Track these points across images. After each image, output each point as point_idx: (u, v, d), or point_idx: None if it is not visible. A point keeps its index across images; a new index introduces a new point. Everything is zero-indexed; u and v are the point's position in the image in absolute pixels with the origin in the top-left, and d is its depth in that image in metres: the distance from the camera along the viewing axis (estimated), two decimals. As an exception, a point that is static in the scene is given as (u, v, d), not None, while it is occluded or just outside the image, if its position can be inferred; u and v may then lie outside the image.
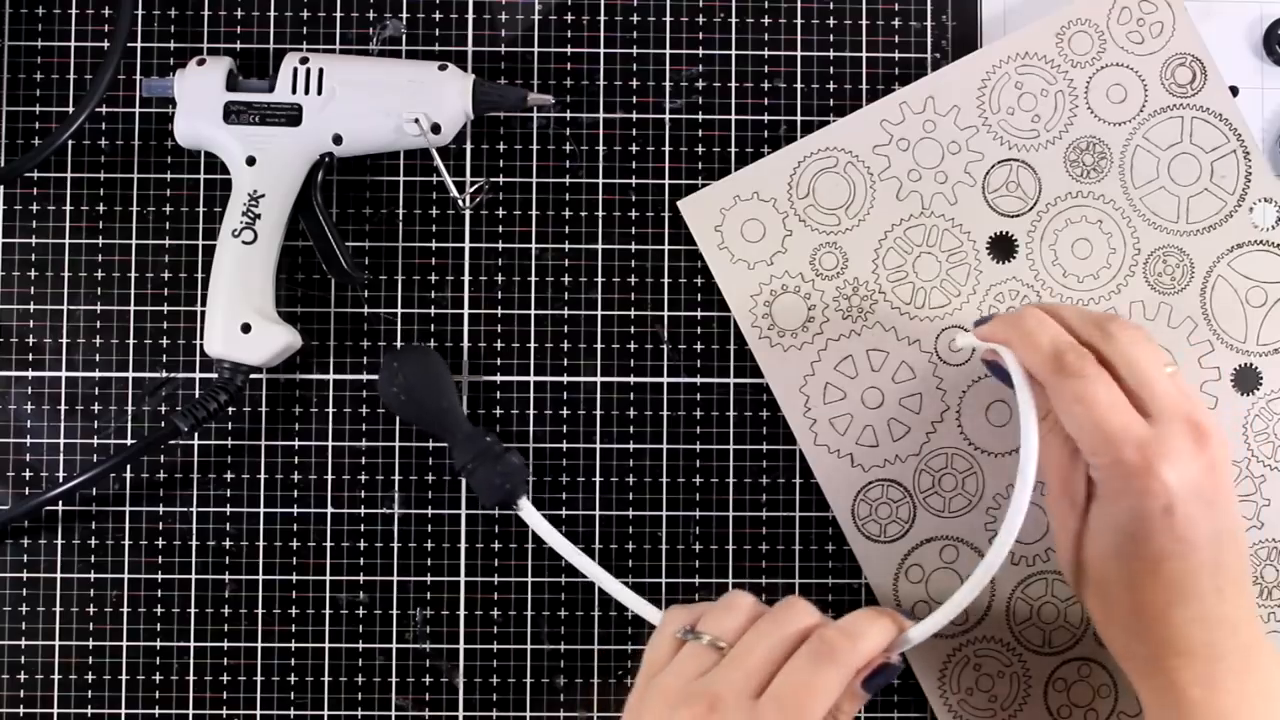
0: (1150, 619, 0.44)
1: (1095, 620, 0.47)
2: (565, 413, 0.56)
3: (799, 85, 0.57)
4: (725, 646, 0.45)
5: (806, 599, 0.46)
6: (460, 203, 0.56)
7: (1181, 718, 0.44)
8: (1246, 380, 0.55)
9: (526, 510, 0.53)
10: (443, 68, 0.53)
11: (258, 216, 0.52)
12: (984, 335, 0.49)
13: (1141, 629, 0.44)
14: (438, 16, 0.56)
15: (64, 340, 0.56)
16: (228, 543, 0.55)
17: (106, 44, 0.56)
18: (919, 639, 0.46)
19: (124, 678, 0.55)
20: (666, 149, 0.56)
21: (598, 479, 0.56)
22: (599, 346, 0.56)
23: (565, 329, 0.56)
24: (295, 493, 0.56)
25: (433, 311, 0.56)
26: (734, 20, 0.57)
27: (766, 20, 0.57)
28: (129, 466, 0.55)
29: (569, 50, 0.57)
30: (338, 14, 0.56)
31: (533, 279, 0.56)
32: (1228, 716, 0.43)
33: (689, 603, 0.56)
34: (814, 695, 0.42)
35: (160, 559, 0.55)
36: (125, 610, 0.55)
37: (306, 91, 0.52)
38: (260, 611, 0.55)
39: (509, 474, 0.52)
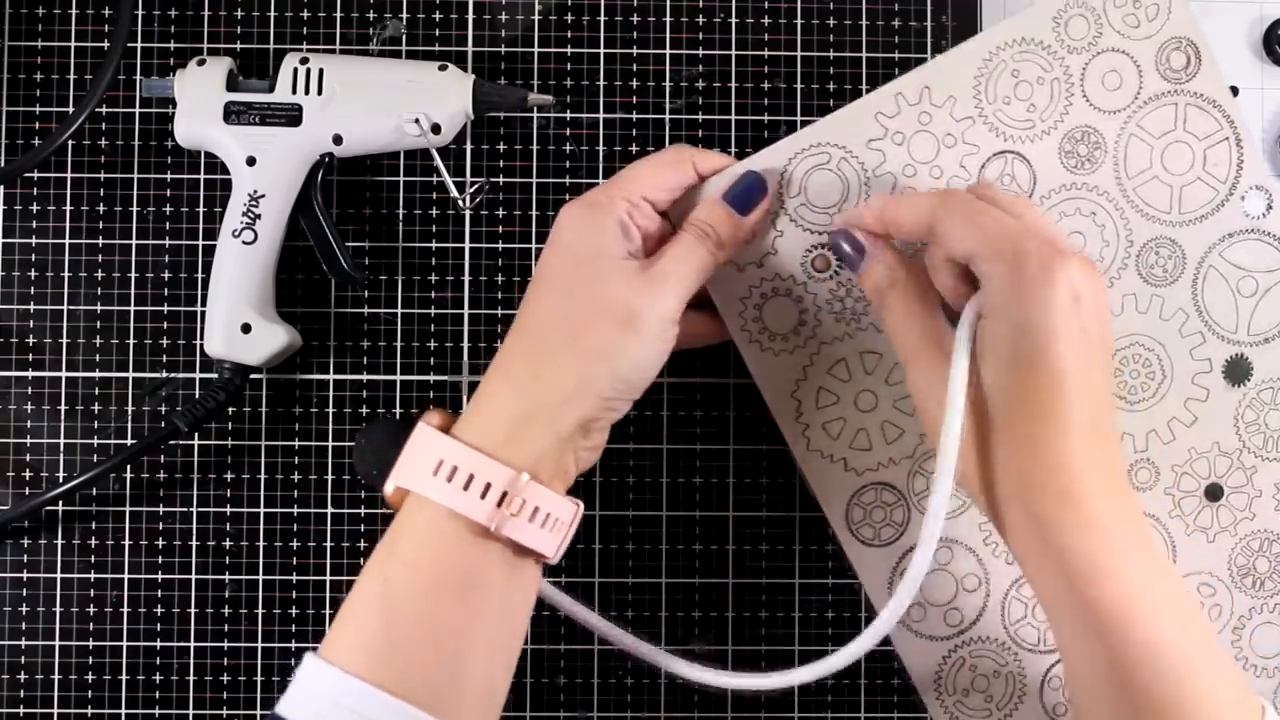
0: (1024, 460, 0.43)
1: (971, 490, 0.45)
2: (565, 413, 0.56)
3: (799, 85, 0.57)
4: None
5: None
6: (460, 203, 0.56)
7: (1050, 552, 0.43)
8: (1237, 371, 0.54)
9: None
10: (443, 68, 0.53)
11: (258, 216, 0.52)
12: (864, 222, 0.49)
13: (1017, 476, 0.43)
14: (438, 16, 0.56)
15: (64, 340, 0.56)
16: (228, 543, 0.55)
17: (106, 44, 0.56)
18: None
19: (124, 678, 0.55)
20: (666, 149, 0.56)
21: (598, 479, 0.56)
22: (599, 346, 0.56)
23: (565, 329, 0.56)
24: (295, 493, 0.56)
25: (433, 311, 0.56)
26: (734, 20, 0.57)
27: (766, 20, 0.57)
28: (129, 466, 0.55)
29: (569, 50, 0.57)
30: (338, 14, 0.56)
31: (533, 279, 0.56)
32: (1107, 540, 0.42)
33: (688, 603, 0.56)
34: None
35: (160, 559, 0.55)
36: (125, 610, 0.55)
37: (306, 92, 0.52)
38: (260, 611, 0.55)
39: None
